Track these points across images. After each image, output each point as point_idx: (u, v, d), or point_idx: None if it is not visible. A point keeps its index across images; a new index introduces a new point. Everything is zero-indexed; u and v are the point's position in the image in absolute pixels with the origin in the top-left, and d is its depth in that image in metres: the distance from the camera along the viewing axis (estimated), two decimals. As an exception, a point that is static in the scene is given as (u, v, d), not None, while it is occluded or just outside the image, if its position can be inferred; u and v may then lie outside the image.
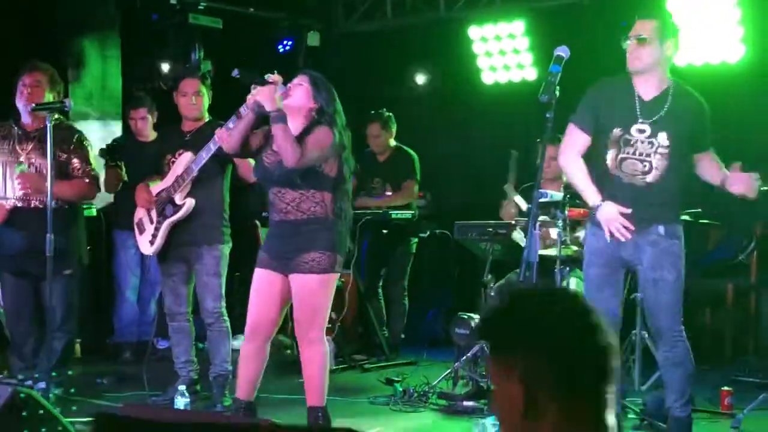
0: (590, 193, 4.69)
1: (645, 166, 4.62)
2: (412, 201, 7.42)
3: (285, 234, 4.69)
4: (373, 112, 7.60)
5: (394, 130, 7.58)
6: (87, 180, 5.58)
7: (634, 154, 4.64)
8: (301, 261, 4.64)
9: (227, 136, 4.89)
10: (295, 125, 4.69)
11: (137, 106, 7.09)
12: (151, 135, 7.09)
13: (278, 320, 4.87)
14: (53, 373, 5.36)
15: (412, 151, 7.53)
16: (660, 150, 4.59)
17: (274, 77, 5.14)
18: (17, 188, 5.44)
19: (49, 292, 5.19)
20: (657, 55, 4.59)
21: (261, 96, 4.60)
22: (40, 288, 5.48)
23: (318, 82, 4.78)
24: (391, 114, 7.59)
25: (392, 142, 7.58)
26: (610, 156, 4.67)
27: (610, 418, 1.75)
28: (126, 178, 6.88)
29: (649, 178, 4.62)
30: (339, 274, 4.82)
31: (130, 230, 6.64)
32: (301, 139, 4.63)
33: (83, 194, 5.66)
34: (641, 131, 4.62)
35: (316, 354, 4.73)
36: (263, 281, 4.80)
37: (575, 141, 4.76)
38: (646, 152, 4.62)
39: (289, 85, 4.71)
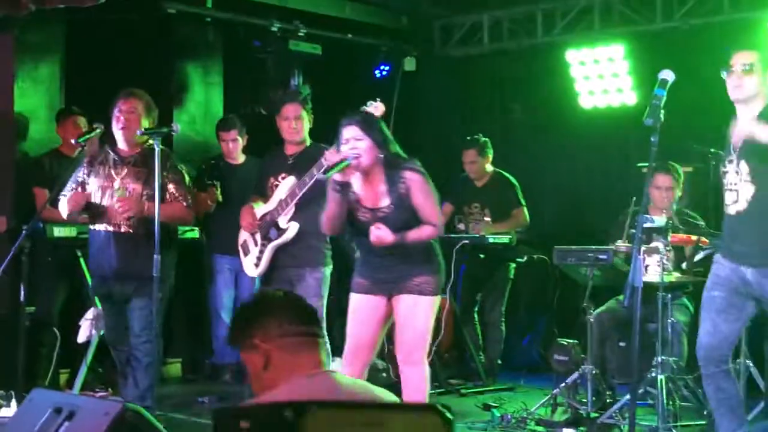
0: None
1: (734, 195, 4.57)
2: (524, 228, 7.40)
3: (390, 263, 4.72)
4: (469, 138, 7.60)
5: (490, 155, 7.56)
6: (183, 203, 5.58)
7: (727, 185, 4.60)
8: (409, 283, 4.68)
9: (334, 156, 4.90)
10: (376, 175, 4.69)
11: (228, 128, 7.18)
12: (240, 157, 7.17)
13: (378, 345, 4.88)
14: (144, 393, 5.41)
15: (511, 177, 7.50)
16: (744, 178, 4.51)
17: (378, 105, 5.18)
18: (117, 211, 5.46)
19: (144, 313, 5.35)
20: (759, 84, 4.52)
21: (378, 238, 4.59)
22: (129, 310, 5.52)
23: (367, 125, 4.69)
24: (487, 139, 7.58)
25: (489, 167, 7.56)
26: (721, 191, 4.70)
27: (324, 356, 2.68)
28: (220, 199, 6.97)
29: (739, 207, 4.55)
30: (440, 296, 4.83)
31: (224, 253, 6.77)
32: (393, 186, 4.64)
33: (179, 217, 5.63)
34: (731, 161, 4.59)
35: (418, 376, 4.72)
36: (364, 306, 4.81)
37: None
38: (734, 182, 4.56)
39: (353, 150, 4.61)
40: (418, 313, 4.68)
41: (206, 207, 6.91)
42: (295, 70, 8.20)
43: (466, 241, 7.04)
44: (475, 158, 7.48)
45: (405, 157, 4.73)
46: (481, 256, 7.34)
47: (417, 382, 4.72)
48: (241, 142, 7.15)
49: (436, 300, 4.75)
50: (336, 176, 4.62)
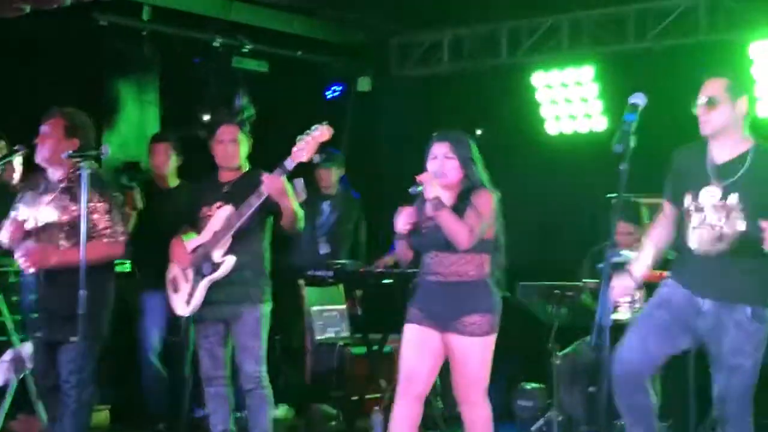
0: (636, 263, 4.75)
1: (716, 232, 4.55)
2: None
3: (443, 294, 4.92)
4: None
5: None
6: (104, 240, 5.30)
7: (704, 222, 4.57)
8: (461, 323, 4.86)
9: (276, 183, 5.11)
10: (449, 196, 4.95)
11: (160, 140, 7.08)
12: (173, 180, 7.07)
13: (432, 377, 5.04)
14: None
15: None
16: (732, 215, 4.51)
17: (324, 129, 5.23)
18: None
19: (71, 356, 5.16)
20: (728, 115, 4.55)
21: (427, 185, 4.85)
22: (58, 353, 5.33)
23: (459, 144, 5.00)
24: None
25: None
26: (685, 227, 4.65)
27: None
28: (140, 205, 6.83)
29: (721, 247, 4.54)
30: (496, 333, 5.01)
31: (154, 289, 6.64)
32: (460, 207, 4.88)
33: (101, 257, 5.30)
34: (712, 196, 4.56)
35: (480, 417, 4.93)
36: (417, 336, 4.98)
37: (665, 212, 4.83)
38: (717, 218, 4.55)
39: (439, 164, 4.93)
40: (471, 356, 4.89)
41: (127, 217, 6.66)
42: (240, 89, 8.18)
43: (422, 277, 7.02)
44: None
45: (486, 185, 5.00)
46: (439, 292, 7.32)
47: (478, 424, 4.93)
48: (173, 159, 7.06)
49: (491, 339, 4.94)
50: (427, 186, 4.85)
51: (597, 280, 5.71)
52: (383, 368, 6.94)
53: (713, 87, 4.58)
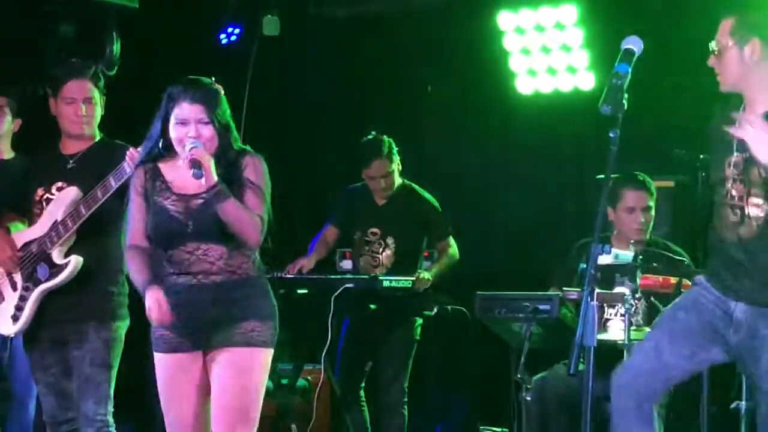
0: None
1: (737, 214, 4.63)
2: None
3: (209, 300, 4.79)
4: (369, 140, 7.48)
5: (398, 160, 7.50)
6: None
7: (726, 197, 4.66)
8: (236, 331, 4.77)
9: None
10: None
11: None
12: (6, 149, 7.03)
13: (208, 418, 4.89)
14: None
15: (426, 193, 7.49)
16: (754, 192, 4.58)
17: None
18: None
19: None
20: (737, 63, 4.63)
21: (206, 172, 4.68)
22: None
23: (215, 104, 4.84)
24: (389, 139, 7.49)
25: (398, 179, 7.52)
26: (719, 207, 4.74)
27: None
28: None
29: (742, 232, 4.62)
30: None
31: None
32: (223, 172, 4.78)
33: None
34: (735, 165, 4.63)
35: None
36: (178, 370, 4.86)
37: None
38: (739, 195, 4.62)
39: (195, 139, 4.75)
40: (248, 372, 4.82)
41: None
42: (110, 30, 8.14)
43: (350, 285, 7.02)
44: (386, 169, 7.38)
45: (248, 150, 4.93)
46: (372, 307, 7.33)
47: None
48: (8, 122, 7.00)
49: (270, 354, 4.88)
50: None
51: (580, 289, 5.76)
52: (295, 408, 6.96)
53: (720, 31, 4.64)
